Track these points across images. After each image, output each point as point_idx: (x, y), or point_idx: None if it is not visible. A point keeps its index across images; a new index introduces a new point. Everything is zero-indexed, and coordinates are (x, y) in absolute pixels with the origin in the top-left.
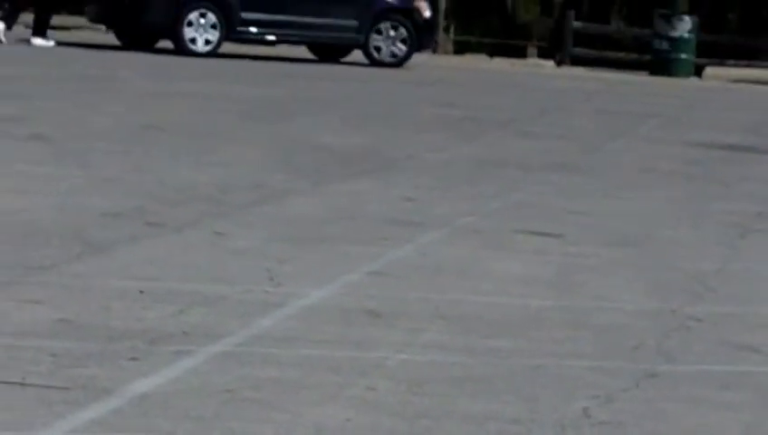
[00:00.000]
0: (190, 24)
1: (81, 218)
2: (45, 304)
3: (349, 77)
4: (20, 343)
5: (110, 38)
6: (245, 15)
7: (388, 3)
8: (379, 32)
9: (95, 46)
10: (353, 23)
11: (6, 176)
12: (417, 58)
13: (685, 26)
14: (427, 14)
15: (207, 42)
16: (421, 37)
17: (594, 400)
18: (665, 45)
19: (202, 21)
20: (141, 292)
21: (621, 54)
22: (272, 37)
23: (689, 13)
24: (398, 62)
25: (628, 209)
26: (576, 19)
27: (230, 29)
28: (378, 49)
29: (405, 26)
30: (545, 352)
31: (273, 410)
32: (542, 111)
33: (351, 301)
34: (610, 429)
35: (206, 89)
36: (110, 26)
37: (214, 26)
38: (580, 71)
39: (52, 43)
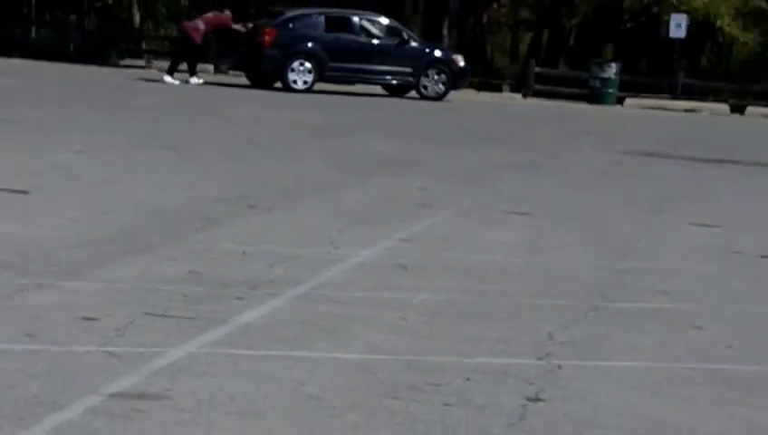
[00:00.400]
0: (293, 69)
1: (202, 203)
2: (179, 261)
3: (404, 107)
4: (162, 287)
5: (236, 79)
6: (332, 64)
7: (435, 56)
8: (427, 76)
9: (225, 84)
10: (409, 69)
11: (150, 176)
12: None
13: (611, 70)
14: (462, 63)
15: (305, 82)
16: (457, 80)
17: (556, 326)
18: (597, 83)
19: (301, 68)
20: (244, 253)
21: (567, 90)
22: (351, 79)
23: (614, 60)
24: (439, 97)
25: (575, 196)
26: (536, 65)
27: (321, 73)
28: (425, 87)
29: (445, 73)
30: (522, 293)
31: (335, 333)
32: (516, 129)
33: (388, 259)
34: (568, 347)
35: (296, 116)
36: (242, 71)
37: (309, 71)
38: (539, 101)
39: (200, 81)
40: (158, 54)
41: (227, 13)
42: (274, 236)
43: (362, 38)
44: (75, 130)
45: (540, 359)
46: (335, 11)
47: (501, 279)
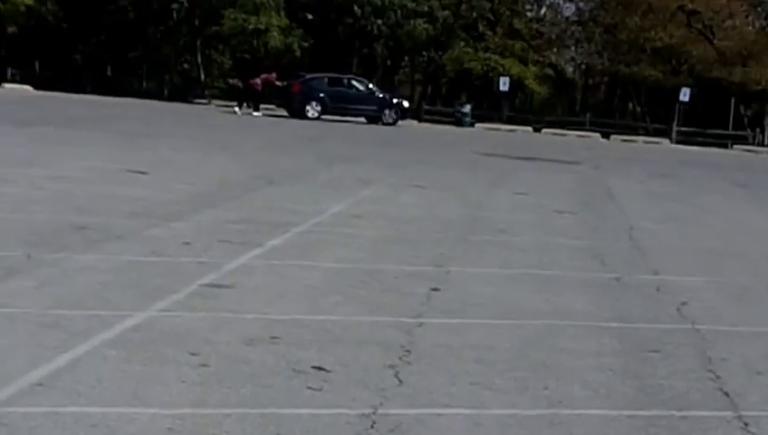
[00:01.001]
0: (309, 107)
1: (244, 180)
2: (233, 212)
3: (370, 128)
4: (226, 226)
5: (279, 113)
6: (332, 105)
7: (390, 100)
8: (385, 112)
9: (273, 116)
10: (376, 108)
11: (214, 164)
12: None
13: (467, 107)
14: (405, 104)
15: (316, 114)
16: (403, 114)
17: (444, 248)
18: (459, 115)
19: (314, 105)
20: (269, 208)
21: (443, 118)
22: (342, 113)
23: (468, 102)
24: (393, 124)
25: (450, 176)
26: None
27: (325, 109)
28: (385, 118)
29: (396, 110)
30: (424, 230)
31: (321, 251)
32: (416, 139)
33: (348, 211)
34: (453, 259)
35: (301, 131)
36: (283, 108)
37: (318, 108)
38: (428, 125)
39: (260, 114)
40: (213, 97)
41: (274, 75)
42: (285, 198)
43: (349, 90)
44: (172, 138)
45: (437, 266)
46: (334, 75)
47: (412, 222)
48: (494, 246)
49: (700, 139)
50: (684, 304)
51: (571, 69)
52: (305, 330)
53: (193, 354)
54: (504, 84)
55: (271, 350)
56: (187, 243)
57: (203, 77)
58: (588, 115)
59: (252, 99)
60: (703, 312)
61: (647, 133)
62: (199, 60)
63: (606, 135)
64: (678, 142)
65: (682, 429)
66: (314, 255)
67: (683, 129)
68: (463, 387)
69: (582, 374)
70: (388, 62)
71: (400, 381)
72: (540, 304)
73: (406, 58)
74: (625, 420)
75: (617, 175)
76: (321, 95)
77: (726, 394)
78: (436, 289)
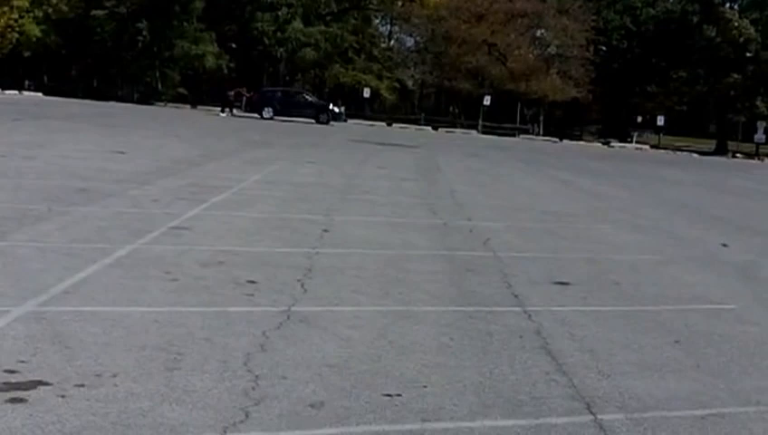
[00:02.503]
0: (264, 110)
1: (192, 158)
2: (185, 179)
3: (308, 126)
4: (181, 189)
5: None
6: (281, 109)
7: (324, 105)
8: (320, 115)
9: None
10: (314, 111)
11: (172, 147)
12: (338, 124)
13: (343, 108)
14: (337, 109)
15: (269, 115)
16: (335, 117)
17: (330, 203)
18: (335, 114)
19: (268, 109)
20: (211, 177)
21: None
22: (287, 117)
23: (342, 105)
24: (326, 123)
25: (334, 155)
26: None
27: (276, 112)
28: (320, 119)
29: (328, 114)
30: (320, 191)
31: (249, 205)
32: (313, 133)
33: (263, 179)
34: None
35: (244, 125)
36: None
37: (270, 110)
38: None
39: (225, 114)
40: (168, 101)
41: (244, 88)
42: (220, 170)
43: (294, 99)
44: (141, 129)
45: (326, 216)
46: (284, 88)
47: (308, 186)
48: (364, 202)
49: (497, 130)
50: (488, 239)
51: (411, 83)
52: (241, 257)
53: (167, 273)
54: (366, 93)
55: (219, 270)
56: (156, 200)
57: (160, 87)
58: (423, 115)
59: (227, 105)
60: (501, 245)
61: (462, 127)
62: (157, 75)
63: (435, 128)
64: (483, 133)
65: (488, 318)
66: (243, 208)
67: (486, 124)
68: (346, 293)
69: (423, 285)
70: (287, 78)
71: (305, 289)
72: (394, 240)
73: (299, 75)
74: (451, 313)
75: (443, 155)
76: (273, 102)
77: (516, 296)
78: (326, 230)
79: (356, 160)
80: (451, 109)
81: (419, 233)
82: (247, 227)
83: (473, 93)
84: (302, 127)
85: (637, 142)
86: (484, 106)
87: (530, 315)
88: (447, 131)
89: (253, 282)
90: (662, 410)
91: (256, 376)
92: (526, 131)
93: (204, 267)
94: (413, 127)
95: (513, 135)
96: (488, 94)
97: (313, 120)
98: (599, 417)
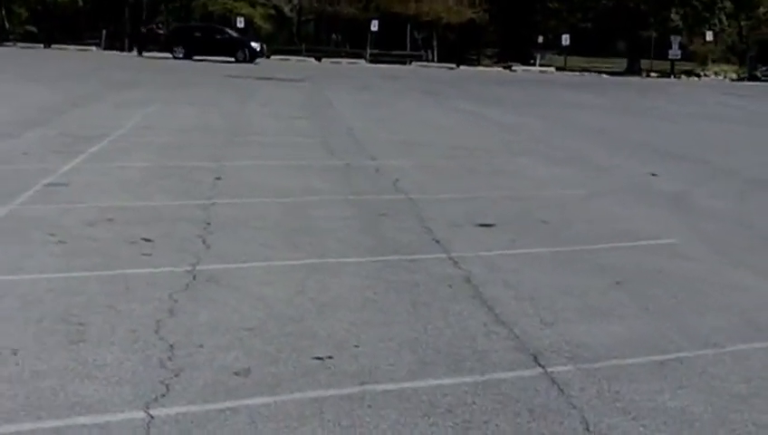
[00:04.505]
0: (176, 49)
1: (55, 103)
2: (57, 129)
3: (225, 66)
4: (55, 139)
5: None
6: (194, 47)
7: (242, 41)
8: (240, 51)
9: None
10: (231, 48)
11: (38, 91)
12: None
13: (261, 45)
14: (255, 45)
15: (182, 55)
16: (257, 54)
17: (216, 149)
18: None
19: (180, 48)
20: (82, 125)
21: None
22: (203, 56)
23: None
24: (244, 60)
25: (211, 94)
26: None
27: (190, 51)
28: (238, 56)
29: (246, 51)
30: (204, 135)
31: (127, 154)
32: (177, 69)
33: (142, 124)
34: (225, 158)
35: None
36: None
37: (182, 49)
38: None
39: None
40: (17, 40)
41: (158, 26)
42: (91, 117)
43: (209, 36)
44: None
45: (216, 162)
46: (201, 24)
47: (191, 131)
48: (254, 145)
49: (387, 58)
50: (397, 180)
51: (288, 9)
52: (131, 213)
53: (52, 235)
54: (240, 23)
55: (109, 228)
56: (26, 153)
57: (7, 25)
58: (303, 45)
59: (141, 43)
60: (412, 186)
61: (348, 56)
62: (3, 12)
63: (318, 59)
64: (371, 62)
65: (412, 268)
66: (125, 158)
67: (374, 51)
68: (253, 247)
69: (334, 233)
70: (147, 14)
71: (208, 245)
72: (294, 186)
73: (162, 6)
74: (370, 264)
75: (332, 89)
76: (186, 40)
77: (438, 242)
78: (218, 178)
79: (238, 99)
80: (334, 37)
81: (320, 176)
82: (132, 179)
83: (358, 18)
84: (192, 66)
85: (540, 65)
86: (372, 32)
87: (456, 262)
88: (332, 62)
89: (148, 240)
90: (614, 358)
91: (171, 345)
92: (419, 58)
93: (91, 227)
94: (293, 58)
95: (405, 63)
96: (375, 19)
97: (233, 59)
98: (548, 370)
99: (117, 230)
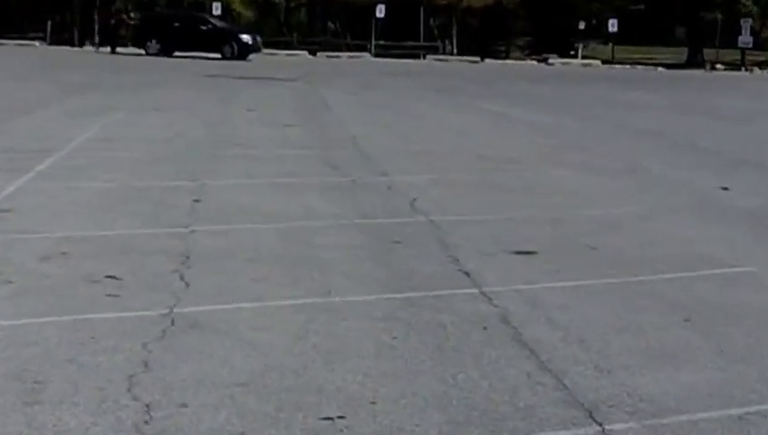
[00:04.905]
0: (149, 42)
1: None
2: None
3: (206, 63)
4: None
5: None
6: (172, 40)
7: (230, 33)
8: (226, 45)
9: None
10: (216, 42)
11: None
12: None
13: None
14: (247, 38)
15: (157, 51)
16: (249, 49)
17: (196, 165)
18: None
19: (154, 42)
20: (29, 136)
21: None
22: (182, 51)
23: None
24: (233, 57)
25: (186, 97)
26: None
27: (167, 46)
28: (225, 52)
29: (234, 45)
30: (179, 148)
31: (87, 173)
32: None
33: (101, 135)
34: (205, 174)
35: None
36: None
37: (156, 44)
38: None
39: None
40: None
41: (126, 15)
42: (38, 126)
43: (193, 26)
44: None
45: (193, 181)
46: (178, 11)
47: (162, 143)
48: (239, 159)
49: (396, 51)
50: (414, 199)
51: None
52: (91, 244)
53: None
54: (216, 9)
55: (64, 264)
56: None
57: None
58: (294, 36)
59: (109, 35)
60: (432, 205)
61: (348, 49)
62: None
63: (313, 53)
64: (377, 56)
65: (436, 306)
66: (82, 177)
67: (380, 42)
68: (242, 283)
69: (341, 265)
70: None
71: (187, 283)
72: (289, 208)
73: None
74: (385, 302)
75: (329, 88)
76: (161, 32)
77: (467, 274)
78: (197, 200)
79: (217, 102)
80: (331, 26)
81: (321, 196)
82: (91, 203)
83: (359, 2)
84: (164, 63)
85: (583, 57)
86: (378, 19)
87: (489, 298)
88: (330, 56)
89: (114, 277)
90: (684, 412)
91: (146, 405)
92: (435, 50)
93: (44, 262)
94: (282, 53)
95: (418, 56)
96: (381, 3)
97: (218, 55)
98: (607, 428)
99: (75, 266)
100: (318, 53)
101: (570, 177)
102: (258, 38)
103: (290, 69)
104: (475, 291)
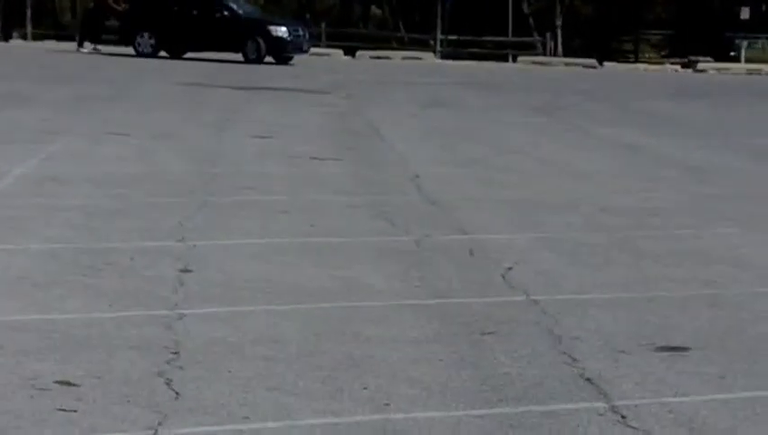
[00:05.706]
0: (139, 38)
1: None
2: None
3: (212, 66)
4: None
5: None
6: (174, 35)
7: (257, 24)
8: (251, 41)
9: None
10: (237, 38)
11: None
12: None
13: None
14: (284, 32)
15: (151, 50)
16: (288, 46)
17: (182, 217)
18: None
19: (146, 36)
20: None
21: None
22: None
23: None
24: (257, 61)
25: (161, 117)
26: None
27: (167, 42)
28: (247, 52)
29: (261, 43)
30: (155, 192)
31: (20, 230)
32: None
33: (41, 173)
34: (195, 231)
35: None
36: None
37: (150, 39)
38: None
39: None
40: None
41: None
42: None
43: (205, 14)
44: None
45: (179, 241)
46: None
47: (130, 184)
48: (246, 208)
49: (473, 49)
50: (510, 269)
51: None
52: (32, 334)
53: None
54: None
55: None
56: None
57: None
58: (323, 27)
59: (94, 32)
60: (536, 278)
61: (403, 46)
62: None
63: (350, 51)
64: (445, 56)
65: (549, 427)
66: (12, 236)
67: (450, 37)
68: (259, 393)
69: (404, 368)
70: None
71: (177, 392)
72: (325, 282)
73: None
74: (471, 421)
75: (379, 105)
76: (158, 24)
77: (589, 380)
78: (186, 270)
79: (209, 125)
80: (376, 11)
81: (372, 264)
82: (31, 275)
83: None
84: (148, 66)
85: (747, 61)
86: (445, 5)
87: (624, 416)
88: (377, 57)
89: (68, 384)
90: None
91: None
92: (530, 48)
93: None
94: (309, 51)
95: (506, 57)
96: None
97: (240, 55)
98: None
99: (10, 366)
100: (358, 52)
101: (738, 239)
102: (303, 31)
103: (318, 76)
104: (603, 405)
